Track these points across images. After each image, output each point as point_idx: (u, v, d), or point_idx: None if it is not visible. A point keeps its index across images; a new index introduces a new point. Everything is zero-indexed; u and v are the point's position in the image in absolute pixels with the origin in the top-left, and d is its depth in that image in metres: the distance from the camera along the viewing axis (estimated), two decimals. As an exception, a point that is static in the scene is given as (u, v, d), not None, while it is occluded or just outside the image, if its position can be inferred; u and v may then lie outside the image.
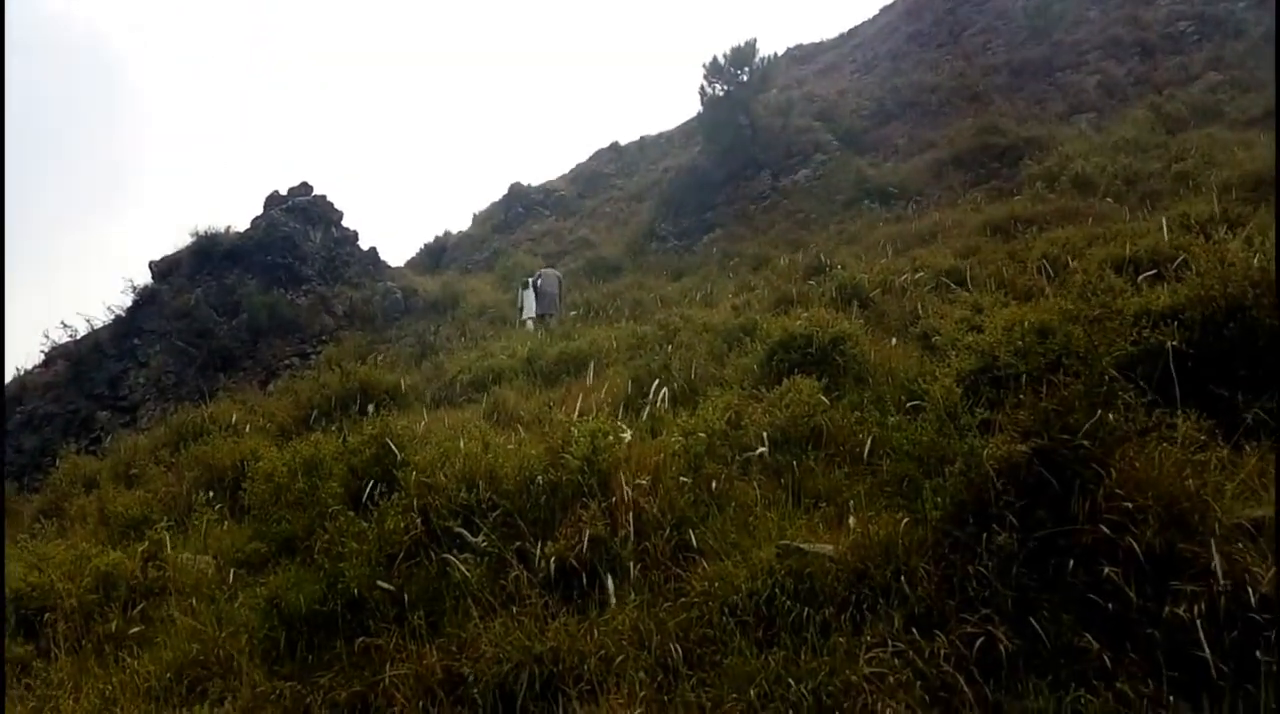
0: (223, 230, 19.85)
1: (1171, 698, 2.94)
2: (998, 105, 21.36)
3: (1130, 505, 3.42)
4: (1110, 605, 3.22)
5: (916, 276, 10.56)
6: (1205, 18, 21.74)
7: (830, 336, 7.38)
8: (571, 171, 34.91)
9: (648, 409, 6.82)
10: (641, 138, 35.46)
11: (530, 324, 15.47)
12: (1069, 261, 8.75)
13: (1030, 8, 25.54)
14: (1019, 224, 12.52)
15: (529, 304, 15.93)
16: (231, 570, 6.04)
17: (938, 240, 13.34)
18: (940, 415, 4.92)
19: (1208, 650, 2.92)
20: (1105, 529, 3.38)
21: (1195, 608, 3.01)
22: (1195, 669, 2.96)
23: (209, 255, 19.33)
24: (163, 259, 19.45)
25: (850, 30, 36.08)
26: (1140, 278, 6.38)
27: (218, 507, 7.58)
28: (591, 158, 35.29)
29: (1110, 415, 3.84)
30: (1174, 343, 4.59)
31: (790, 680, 3.40)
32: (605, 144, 35.65)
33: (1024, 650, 3.26)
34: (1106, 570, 3.28)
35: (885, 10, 34.24)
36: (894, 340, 8.05)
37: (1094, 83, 21.28)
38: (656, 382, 7.46)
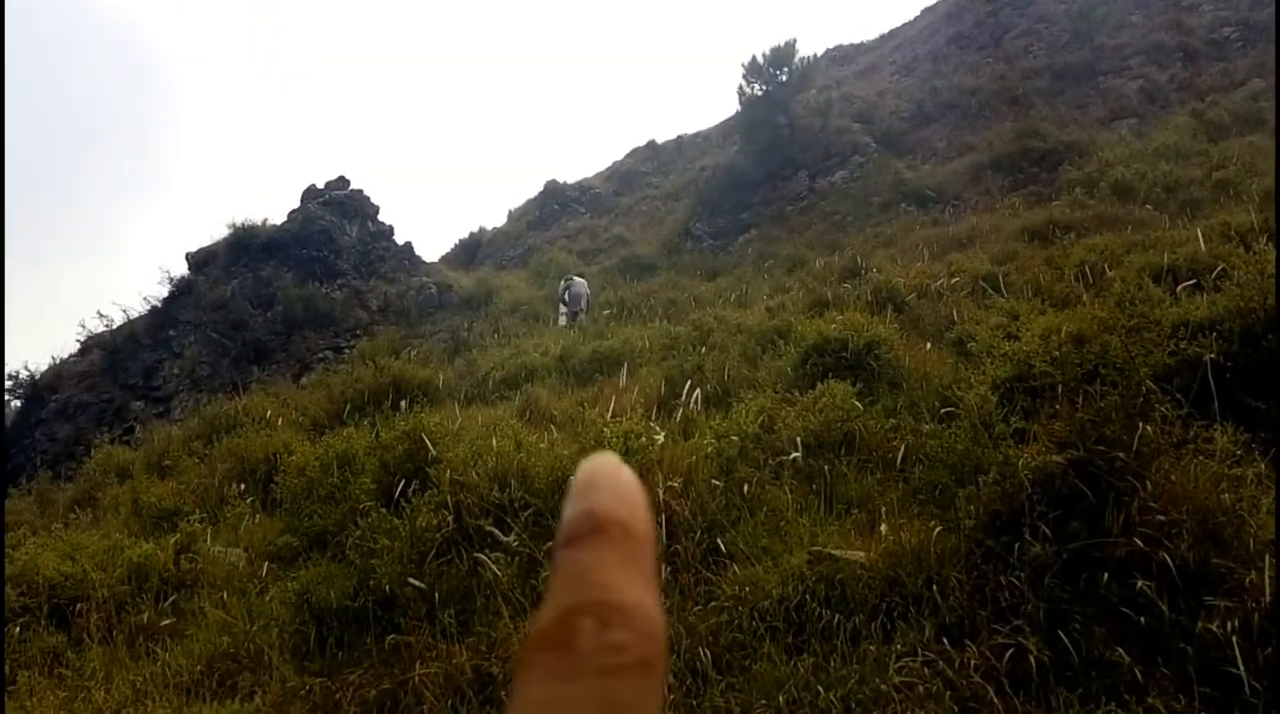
0: (259, 223, 19.98)
1: (1204, 714, 2.93)
2: (1038, 109, 21.05)
3: (1165, 519, 3.40)
4: (1143, 619, 3.20)
5: (953, 281, 10.48)
6: (1250, 24, 21.24)
7: (865, 341, 7.37)
8: (608, 169, 34.97)
9: (680, 411, 6.85)
10: (679, 137, 35.44)
11: (564, 319, 15.74)
12: (1107, 269, 8.63)
13: (1073, 11, 25.13)
14: (1057, 230, 12.38)
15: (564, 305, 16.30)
16: (264, 564, 6.12)
17: (975, 245, 13.21)
18: (974, 423, 4.91)
19: (1241, 666, 2.89)
20: (1139, 542, 3.36)
21: (1229, 624, 2.99)
22: (1228, 685, 2.94)
23: (245, 247, 19.49)
24: (199, 251, 19.65)
25: (890, 31, 35.81)
26: (1179, 288, 6.30)
27: (249, 500, 7.66)
28: (628, 156, 35.32)
29: (1147, 428, 3.81)
30: (1211, 356, 4.54)
31: (819, 687, 3.42)
32: (642, 143, 35.69)
33: (1055, 663, 3.25)
34: (1140, 584, 3.26)
35: (926, 12, 33.92)
36: (929, 346, 8.01)
37: (1136, 88, 20.92)
38: (689, 383, 7.48)
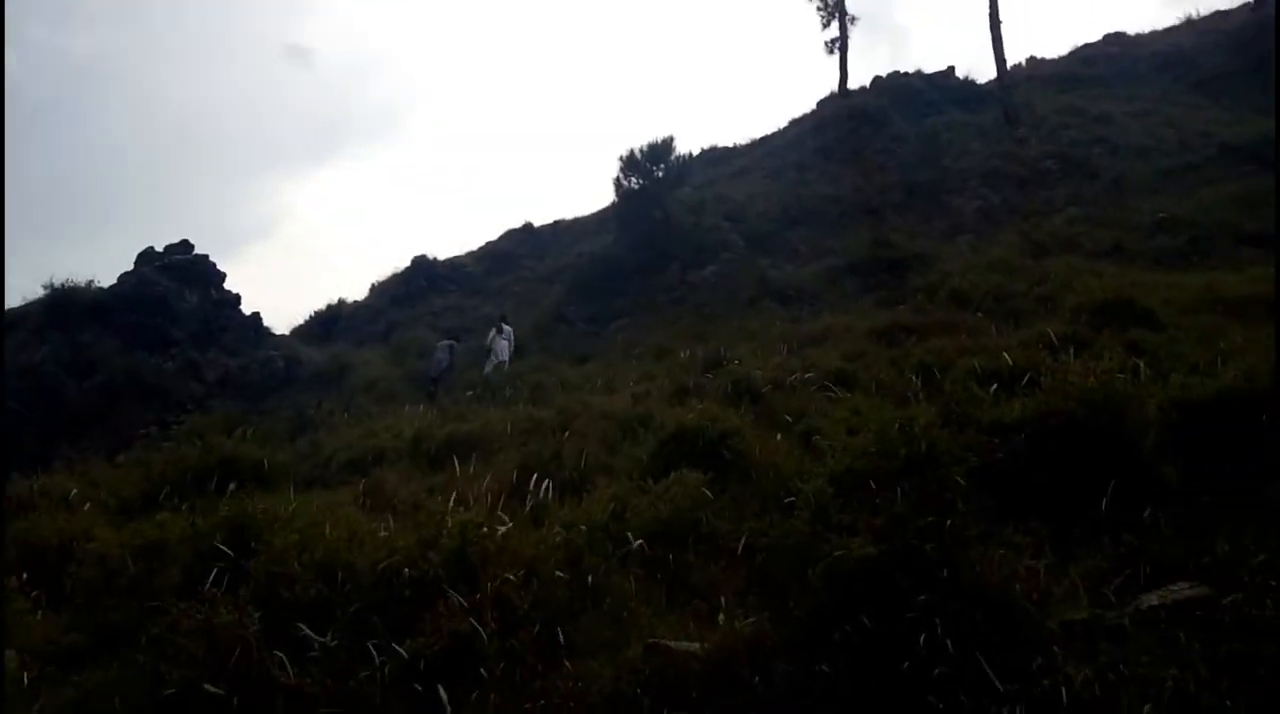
0: (83, 284, 18.64)
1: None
2: (891, 220, 22.74)
3: (965, 608, 3.61)
4: (941, 706, 3.35)
5: (806, 376, 10.91)
6: (1068, 158, 24.15)
7: (719, 430, 7.53)
8: (481, 249, 34.56)
9: (532, 499, 6.79)
10: (556, 221, 35.66)
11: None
12: (940, 371, 9.24)
13: (922, 134, 27.51)
14: (901, 332, 13.17)
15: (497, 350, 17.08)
16: (38, 667, 5.26)
17: (829, 342, 13.88)
18: (812, 514, 5.07)
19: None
20: (939, 633, 3.54)
21: (1017, 709, 3.17)
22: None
23: (65, 310, 18.04)
24: (6, 311, 18.11)
25: (762, 138, 37.53)
26: (993, 390, 6.81)
27: (33, 594, 6.53)
28: (503, 237, 35.03)
29: (952, 521, 4.07)
30: (1001, 455, 4.93)
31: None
32: (518, 224, 35.66)
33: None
34: (937, 671, 3.42)
35: (794, 123, 35.93)
36: (779, 437, 8.25)
37: (974, 207, 22.99)
38: (536, 473, 7.45)
